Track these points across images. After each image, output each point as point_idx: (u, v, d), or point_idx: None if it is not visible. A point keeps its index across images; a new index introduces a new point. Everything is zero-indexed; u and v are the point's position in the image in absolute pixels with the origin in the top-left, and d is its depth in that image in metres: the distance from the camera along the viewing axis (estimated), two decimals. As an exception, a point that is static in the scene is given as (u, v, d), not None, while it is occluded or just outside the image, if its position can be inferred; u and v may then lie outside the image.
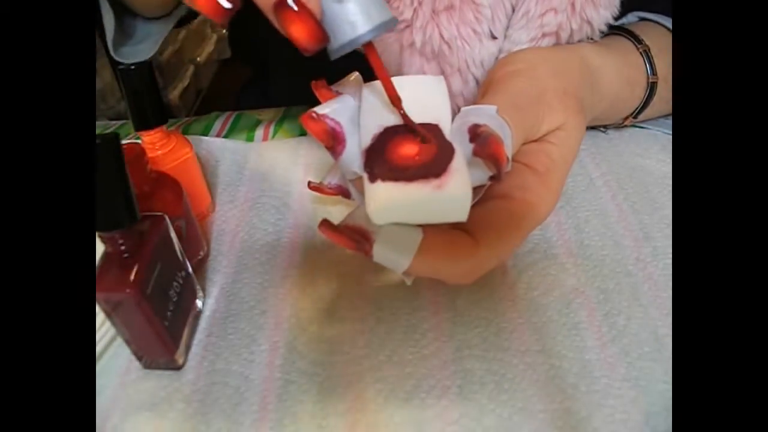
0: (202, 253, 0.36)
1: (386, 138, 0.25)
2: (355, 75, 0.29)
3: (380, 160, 0.25)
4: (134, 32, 0.40)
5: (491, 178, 0.25)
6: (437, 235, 0.25)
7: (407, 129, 0.25)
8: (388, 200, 0.23)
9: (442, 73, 0.36)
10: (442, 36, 0.34)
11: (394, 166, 0.24)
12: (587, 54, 0.35)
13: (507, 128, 0.26)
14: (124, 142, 0.27)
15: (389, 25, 0.22)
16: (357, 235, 0.25)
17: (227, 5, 0.21)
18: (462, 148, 0.25)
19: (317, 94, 0.28)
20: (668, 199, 0.38)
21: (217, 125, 0.49)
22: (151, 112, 0.33)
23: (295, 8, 0.20)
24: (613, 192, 0.40)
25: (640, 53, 0.38)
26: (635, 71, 0.38)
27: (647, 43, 0.38)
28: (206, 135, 0.48)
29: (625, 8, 0.36)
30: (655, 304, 0.32)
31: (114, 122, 0.52)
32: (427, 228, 0.25)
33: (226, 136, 0.47)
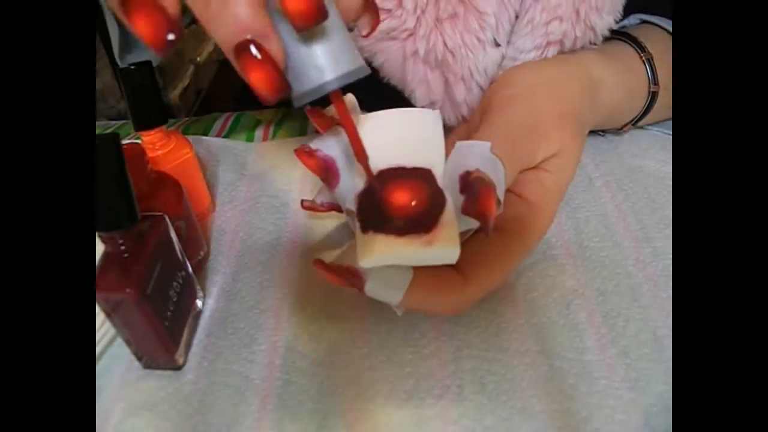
0: (202, 253, 0.36)
1: (380, 182, 0.25)
2: (349, 97, 0.29)
3: (373, 208, 0.25)
4: (137, 42, 0.40)
5: (479, 230, 0.26)
6: (427, 274, 0.26)
7: (401, 173, 0.26)
8: (378, 252, 0.24)
9: (446, 80, 0.36)
10: (445, 44, 0.34)
11: (386, 216, 0.25)
12: (591, 65, 0.35)
13: (500, 167, 0.26)
14: (124, 142, 0.27)
15: (359, 74, 0.21)
16: (348, 275, 0.26)
17: (171, 37, 0.19)
18: (453, 197, 0.25)
19: (312, 121, 0.28)
20: (668, 200, 0.38)
21: (217, 125, 0.49)
22: (151, 112, 0.33)
23: (259, 57, 0.19)
24: (612, 192, 0.40)
25: (643, 62, 0.38)
26: (636, 81, 0.38)
27: (650, 50, 0.38)
28: (206, 135, 0.48)
29: (626, 11, 0.36)
30: (654, 305, 0.32)
31: (114, 122, 0.52)
32: (416, 268, 0.26)
33: (226, 136, 0.47)
